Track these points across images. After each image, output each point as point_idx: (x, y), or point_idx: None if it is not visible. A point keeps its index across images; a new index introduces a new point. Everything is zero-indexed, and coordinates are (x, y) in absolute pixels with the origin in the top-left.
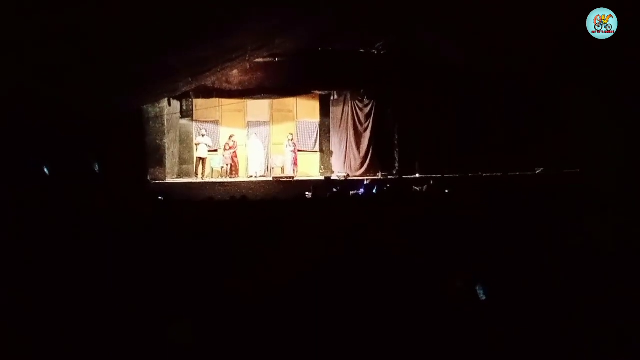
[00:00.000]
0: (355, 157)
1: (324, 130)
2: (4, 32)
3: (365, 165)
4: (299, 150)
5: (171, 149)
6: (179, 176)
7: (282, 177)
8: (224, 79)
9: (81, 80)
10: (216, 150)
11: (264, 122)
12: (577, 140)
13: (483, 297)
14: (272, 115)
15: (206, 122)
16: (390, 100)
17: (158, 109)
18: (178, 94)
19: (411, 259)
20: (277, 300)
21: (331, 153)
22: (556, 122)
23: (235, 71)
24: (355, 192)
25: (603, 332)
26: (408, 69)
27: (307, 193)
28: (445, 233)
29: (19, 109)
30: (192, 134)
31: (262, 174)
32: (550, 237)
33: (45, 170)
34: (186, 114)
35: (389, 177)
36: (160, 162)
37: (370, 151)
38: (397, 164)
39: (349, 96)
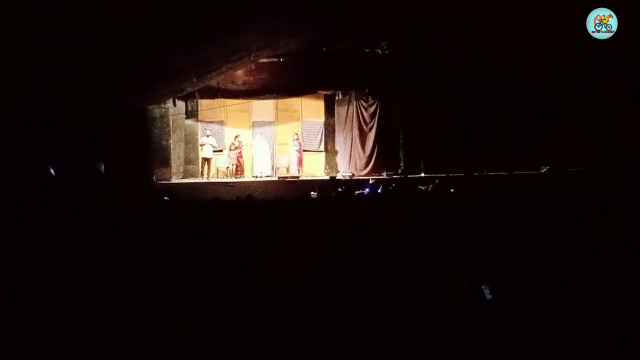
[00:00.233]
0: (360, 157)
1: (329, 130)
2: (7, 32)
3: (370, 165)
4: (304, 150)
5: (176, 150)
6: (184, 176)
7: (287, 177)
8: (228, 79)
9: (86, 80)
10: (221, 151)
11: (269, 122)
12: (579, 140)
13: (489, 297)
14: (277, 115)
15: (211, 122)
16: (394, 100)
17: (163, 110)
18: (183, 94)
19: (413, 259)
20: (278, 300)
21: (336, 153)
22: (558, 121)
23: (240, 71)
24: (361, 191)
25: (603, 332)
26: (413, 68)
27: (312, 193)
28: (449, 233)
29: (22, 109)
30: (197, 134)
31: (268, 174)
32: (552, 236)
33: (52, 170)
34: (191, 114)
35: (394, 176)
36: (166, 162)
37: (375, 151)
38: (402, 164)
39: (353, 96)
